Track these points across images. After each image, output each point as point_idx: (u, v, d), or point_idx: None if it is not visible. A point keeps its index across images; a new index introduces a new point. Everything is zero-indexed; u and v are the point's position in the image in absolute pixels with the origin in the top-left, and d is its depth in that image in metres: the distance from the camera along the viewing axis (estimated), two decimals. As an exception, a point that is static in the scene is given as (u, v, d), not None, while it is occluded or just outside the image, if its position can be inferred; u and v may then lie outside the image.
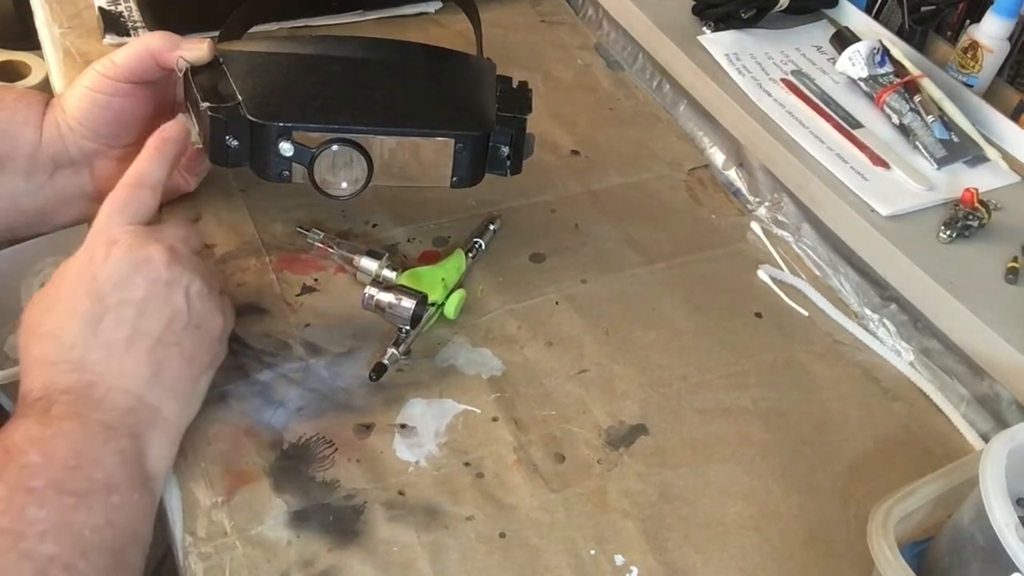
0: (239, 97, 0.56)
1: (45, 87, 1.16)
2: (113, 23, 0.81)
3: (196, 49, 0.58)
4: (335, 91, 0.59)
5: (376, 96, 0.60)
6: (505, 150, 0.62)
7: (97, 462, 0.45)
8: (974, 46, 0.82)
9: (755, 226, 0.74)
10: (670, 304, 0.66)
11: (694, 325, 0.65)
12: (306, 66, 0.60)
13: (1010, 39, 0.82)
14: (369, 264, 0.62)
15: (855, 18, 0.88)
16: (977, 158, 0.74)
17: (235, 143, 0.56)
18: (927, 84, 0.77)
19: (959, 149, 0.73)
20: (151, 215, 0.53)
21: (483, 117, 0.61)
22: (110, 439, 0.46)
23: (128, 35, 0.80)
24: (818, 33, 0.87)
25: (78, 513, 0.42)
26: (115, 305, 0.48)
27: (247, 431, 0.54)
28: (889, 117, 0.76)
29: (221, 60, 0.59)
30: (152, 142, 0.55)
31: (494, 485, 0.53)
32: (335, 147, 0.56)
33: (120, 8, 0.82)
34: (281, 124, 0.56)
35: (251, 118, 0.56)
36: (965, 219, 0.66)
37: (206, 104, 0.56)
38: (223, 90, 0.57)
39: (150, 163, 0.54)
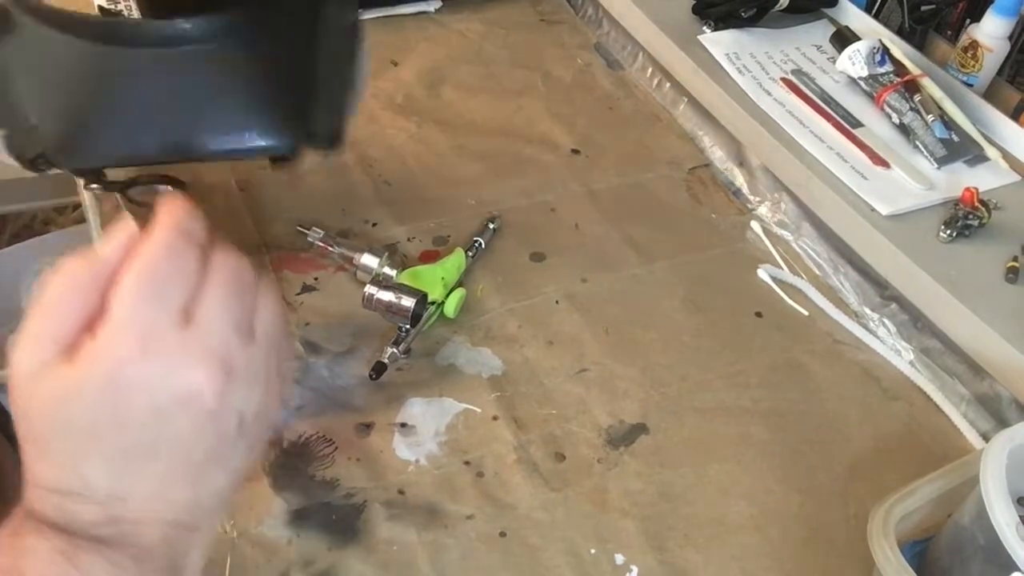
0: (35, 123, 0.49)
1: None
2: (113, 22, 0.80)
3: None
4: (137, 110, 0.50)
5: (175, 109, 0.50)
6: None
7: None
8: (974, 45, 0.82)
9: (755, 225, 0.74)
10: (670, 303, 0.66)
11: (694, 324, 0.65)
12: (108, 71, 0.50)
13: (1010, 38, 0.82)
14: (369, 262, 0.62)
15: (855, 17, 0.88)
16: (977, 157, 0.74)
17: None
18: (927, 83, 0.77)
19: (959, 148, 0.73)
20: (195, 287, 0.37)
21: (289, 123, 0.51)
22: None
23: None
24: (818, 32, 0.87)
25: None
26: (150, 440, 0.37)
27: (247, 430, 0.54)
28: (889, 116, 0.76)
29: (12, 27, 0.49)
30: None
31: (494, 484, 0.53)
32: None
33: (120, 7, 0.82)
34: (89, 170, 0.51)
35: (57, 165, 0.50)
36: (965, 218, 0.66)
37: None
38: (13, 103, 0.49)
39: (183, 217, 0.38)
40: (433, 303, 0.60)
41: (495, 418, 0.57)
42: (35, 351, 0.37)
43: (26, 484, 0.38)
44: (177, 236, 0.37)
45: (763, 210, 0.75)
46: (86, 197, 0.68)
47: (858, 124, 0.75)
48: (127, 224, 0.37)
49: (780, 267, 0.70)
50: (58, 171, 0.51)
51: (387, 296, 0.57)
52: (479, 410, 0.57)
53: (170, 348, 0.36)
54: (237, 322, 0.38)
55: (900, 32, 0.87)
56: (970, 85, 0.82)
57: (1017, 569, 0.40)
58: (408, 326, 0.58)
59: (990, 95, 0.82)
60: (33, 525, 0.36)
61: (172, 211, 0.37)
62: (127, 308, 0.36)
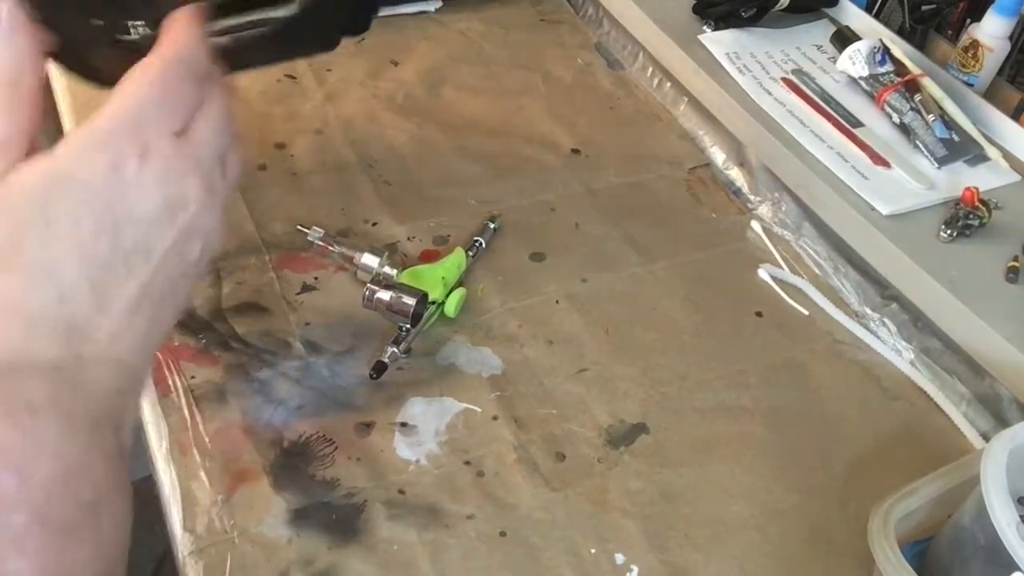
0: None
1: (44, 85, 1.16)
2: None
3: None
4: None
5: None
6: None
7: (86, 476, 0.33)
8: (975, 45, 0.82)
9: (755, 225, 0.74)
10: (670, 303, 0.66)
11: (694, 324, 0.65)
12: None
13: (1010, 38, 0.82)
14: (369, 262, 0.62)
15: (855, 17, 0.88)
16: (978, 157, 0.74)
17: None
18: (928, 83, 0.77)
19: (960, 148, 0.73)
20: (193, 108, 0.37)
21: None
22: (96, 440, 0.34)
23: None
24: (819, 32, 0.87)
25: (67, 552, 0.31)
26: (131, 252, 0.35)
27: (247, 429, 0.54)
28: (890, 116, 0.76)
29: None
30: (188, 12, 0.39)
31: (494, 484, 0.53)
32: None
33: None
34: None
35: None
36: (966, 218, 0.66)
37: None
38: None
39: (197, 41, 0.38)
40: (433, 303, 0.60)
41: (495, 418, 0.57)
42: (4, 158, 0.34)
43: None
44: (188, 55, 0.37)
45: (763, 210, 0.75)
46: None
47: (858, 124, 0.75)
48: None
49: (780, 267, 0.70)
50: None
51: (387, 295, 0.57)
52: (479, 410, 0.57)
53: (168, 153, 0.35)
54: (222, 152, 0.38)
55: (900, 32, 0.87)
56: (970, 85, 0.82)
57: (1018, 569, 0.40)
58: (408, 325, 0.58)
59: (990, 95, 0.82)
60: None
61: (185, 30, 0.37)
62: (133, 111, 0.35)
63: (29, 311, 0.33)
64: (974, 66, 0.82)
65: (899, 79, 0.77)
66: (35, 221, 0.33)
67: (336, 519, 0.50)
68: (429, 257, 0.65)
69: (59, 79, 0.72)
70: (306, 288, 0.63)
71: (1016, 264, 0.64)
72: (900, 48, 0.80)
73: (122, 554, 0.34)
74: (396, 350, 0.57)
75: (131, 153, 0.34)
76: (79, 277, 0.33)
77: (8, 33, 0.35)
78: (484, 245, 0.67)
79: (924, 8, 0.90)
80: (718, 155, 0.80)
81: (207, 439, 0.53)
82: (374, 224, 0.68)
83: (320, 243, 0.64)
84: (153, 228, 0.35)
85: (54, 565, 0.30)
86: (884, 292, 0.67)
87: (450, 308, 0.61)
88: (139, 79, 0.35)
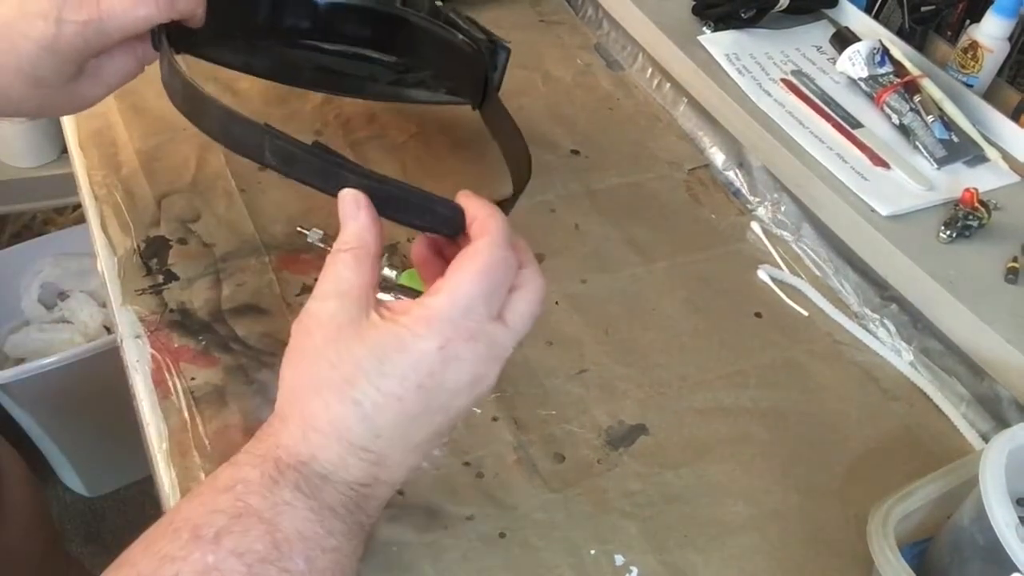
0: None
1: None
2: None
3: None
4: None
5: None
6: None
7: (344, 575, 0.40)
8: (974, 46, 0.82)
9: (755, 226, 0.74)
10: (670, 304, 0.66)
11: (694, 325, 0.65)
12: None
13: (1010, 39, 0.82)
14: (369, 264, 0.62)
15: (855, 18, 0.88)
16: (977, 158, 0.74)
17: None
18: (927, 84, 0.77)
19: (959, 149, 0.73)
20: (509, 292, 0.43)
21: None
22: (359, 546, 0.42)
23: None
24: (818, 33, 0.87)
25: None
26: (434, 410, 0.41)
27: (247, 431, 0.54)
28: (889, 117, 0.76)
29: None
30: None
31: (494, 485, 0.53)
32: None
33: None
34: None
35: None
36: (965, 219, 0.66)
37: None
38: None
39: (505, 224, 0.43)
40: (433, 304, 0.60)
41: (495, 419, 0.57)
42: (357, 306, 0.41)
43: (293, 429, 0.41)
44: (508, 246, 0.42)
45: (763, 211, 0.75)
46: (86, 197, 0.68)
47: (858, 125, 0.76)
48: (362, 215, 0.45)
49: (780, 267, 0.70)
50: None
51: (388, 298, 0.57)
52: (479, 411, 0.57)
53: (487, 342, 0.41)
54: (523, 336, 0.43)
55: (900, 33, 0.87)
56: (970, 86, 0.82)
57: (1016, 570, 0.41)
58: (408, 327, 0.58)
59: (990, 96, 0.82)
60: (292, 477, 0.39)
61: (500, 223, 0.43)
62: (464, 300, 0.40)
63: (350, 439, 0.40)
64: (973, 67, 0.82)
65: (898, 80, 0.77)
66: (373, 370, 0.40)
67: (336, 520, 0.50)
68: (429, 258, 0.65)
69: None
70: (306, 289, 0.63)
71: (1015, 265, 0.64)
72: (899, 49, 0.80)
73: None
74: (396, 351, 0.57)
75: (458, 338, 0.40)
76: (393, 421, 0.40)
77: (357, 211, 0.44)
78: (484, 246, 0.67)
79: (923, 9, 0.90)
80: (717, 156, 0.80)
81: (207, 441, 0.53)
82: (374, 225, 0.68)
83: (320, 245, 0.64)
84: (457, 396, 0.41)
85: None
86: (883, 293, 0.67)
87: (450, 309, 0.61)
88: (469, 269, 0.41)
